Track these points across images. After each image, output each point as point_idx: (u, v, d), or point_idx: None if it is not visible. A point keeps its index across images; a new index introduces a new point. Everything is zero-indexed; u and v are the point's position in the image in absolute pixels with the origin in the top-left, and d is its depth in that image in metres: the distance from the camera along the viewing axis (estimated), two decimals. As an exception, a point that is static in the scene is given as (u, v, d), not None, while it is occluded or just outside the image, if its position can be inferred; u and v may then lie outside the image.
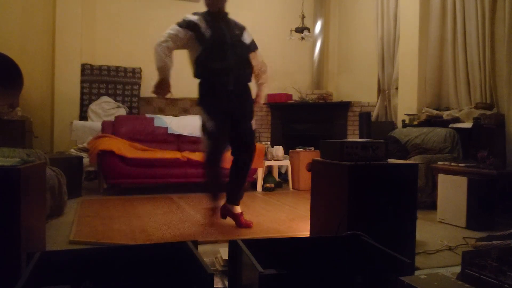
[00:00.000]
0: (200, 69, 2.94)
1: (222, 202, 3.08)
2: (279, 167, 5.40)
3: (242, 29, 3.05)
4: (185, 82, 6.29)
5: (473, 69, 4.30)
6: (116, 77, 5.83)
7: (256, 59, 3.11)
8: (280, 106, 6.46)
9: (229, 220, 3.23)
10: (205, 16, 2.95)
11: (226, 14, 3.01)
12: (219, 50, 2.86)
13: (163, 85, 2.82)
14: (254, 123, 3.13)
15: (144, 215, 3.36)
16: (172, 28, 2.85)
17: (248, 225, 3.04)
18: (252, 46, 3.09)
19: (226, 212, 3.11)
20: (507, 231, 2.53)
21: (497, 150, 3.75)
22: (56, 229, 2.87)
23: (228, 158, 3.06)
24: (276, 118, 6.57)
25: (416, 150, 4.15)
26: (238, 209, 3.09)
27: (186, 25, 2.86)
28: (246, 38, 3.03)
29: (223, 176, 3.02)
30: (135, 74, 5.92)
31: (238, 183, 3.07)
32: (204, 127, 2.92)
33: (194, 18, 2.91)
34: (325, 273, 1.54)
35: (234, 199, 3.09)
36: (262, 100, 3.28)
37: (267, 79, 3.26)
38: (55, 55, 5.50)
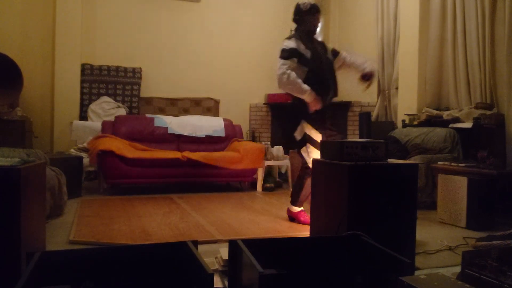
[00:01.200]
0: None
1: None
2: (279, 167, 5.40)
3: (323, 45, 3.32)
4: (185, 82, 6.34)
5: (473, 69, 4.30)
6: (116, 77, 5.83)
7: (339, 61, 3.34)
8: (280, 106, 6.46)
9: (229, 220, 3.23)
10: (301, 36, 3.20)
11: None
12: (319, 70, 3.13)
13: (318, 100, 3.06)
14: None
15: (144, 215, 3.36)
16: (282, 63, 3.10)
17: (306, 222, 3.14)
18: (334, 57, 3.31)
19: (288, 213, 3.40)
20: (507, 231, 2.53)
21: (497, 150, 3.75)
22: (56, 229, 2.88)
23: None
24: (276, 118, 6.57)
25: (416, 150, 4.15)
26: (295, 209, 3.31)
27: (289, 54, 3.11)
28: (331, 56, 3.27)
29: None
30: (135, 74, 5.92)
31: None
32: (313, 140, 3.10)
33: (292, 44, 3.14)
34: (325, 273, 1.54)
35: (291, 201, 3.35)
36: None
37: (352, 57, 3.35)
38: (55, 55, 5.50)
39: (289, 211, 3.35)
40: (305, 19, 3.21)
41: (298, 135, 3.19)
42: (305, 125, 3.14)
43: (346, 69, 3.39)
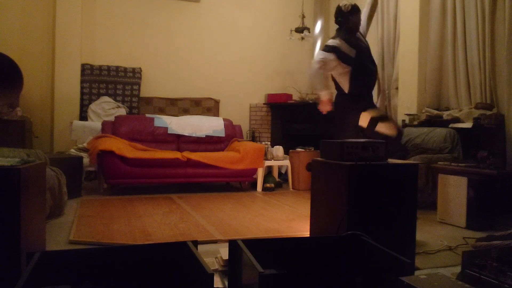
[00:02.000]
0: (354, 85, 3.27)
1: None
2: (279, 167, 5.40)
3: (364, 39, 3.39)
4: (185, 82, 6.34)
5: (473, 69, 4.30)
6: (116, 77, 5.83)
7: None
8: (280, 106, 6.46)
9: (229, 220, 3.23)
10: (345, 36, 3.28)
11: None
12: (365, 68, 3.27)
13: (328, 103, 3.22)
14: None
15: (144, 215, 3.36)
16: (320, 54, 3.26)
17: None
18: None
19: None
20: (507, 231, 2.53)
21: (497, 150, 3.75)
22: (56, 229, 2.88)
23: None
24: (276, 118, 6.56)
25: (416, 150, 4.15)
26: None
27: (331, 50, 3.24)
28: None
29: None
30: (135, 74, 5.92)
31: None
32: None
33: (335, 43, 3.24)
34: (325, 273, 1.54)
35: None
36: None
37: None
38: (55, 55, 5.50)
39: None
40: (348, 19, 3.30)
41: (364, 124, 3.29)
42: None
43: None
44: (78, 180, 4.22)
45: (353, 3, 3.34)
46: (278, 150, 5.14)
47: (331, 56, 3.17)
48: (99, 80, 5.75)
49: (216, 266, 2.10)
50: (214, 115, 6.21)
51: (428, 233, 2.96)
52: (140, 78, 5.95)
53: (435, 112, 4.55)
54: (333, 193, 2.16)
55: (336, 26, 3.35)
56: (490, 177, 3.23)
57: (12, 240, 1.70)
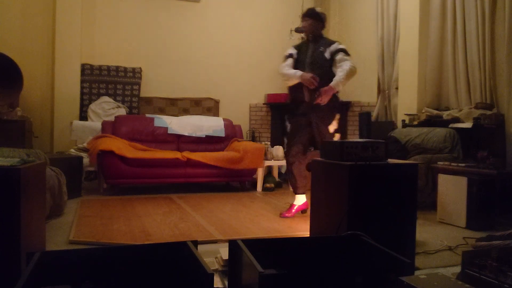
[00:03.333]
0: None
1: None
2: (279, 167, 5.40)
3: (328, 45, 3.47)
4: (185, 82, 6.34)
5: (473, 69, 4.30)
6: (116, 77, 5.82)
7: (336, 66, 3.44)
8: (280, 106, 6.46)
9: (229, 220, 3.23)
10: (300, 43, 3.69)
11: (318, 37, 3.54)
12: (301, 67, 3.46)
13: (310, 77, 3.31)
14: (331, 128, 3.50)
15: (144, 215, 3.36)
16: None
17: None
18: (333, 58, 3.44)
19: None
20: (507, 231, 2.53)
21: (497, 150, 3.75)
22: (56, 229, 2.88)
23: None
24: (276, 118, 6.56)
25: (416, 150, 4.15)
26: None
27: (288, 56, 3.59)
28: (328, 53, 3.44)
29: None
30: (135, 74, 5.92)
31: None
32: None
33: (291, 50, 3.61)
34: (325, 273, 1.54)
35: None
36: (323, 100, 3.33)
37: (335, 83, 3.33)
38: (55, 55, 5.49)
39: None
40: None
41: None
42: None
43: None
44: (78, 180, 4.21)
45: (309, 8, 3.63)
46: (278, 150, 5.14)
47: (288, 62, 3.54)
48: (99, 80, 5.75)
49: (216, 266, 2.10)
50: (214, 115, 6.21)
51: (428, 233, 2.96)
52: (140, 78, 5.95)
53: (435, 112, 4.55)
54: (333, 193, 2.16)
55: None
56: (490, 177, 3.23)
57: (12, 240, 1.70)
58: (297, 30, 3.94)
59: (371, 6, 5.84)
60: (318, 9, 3.57)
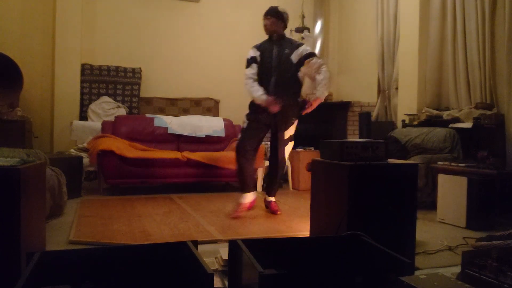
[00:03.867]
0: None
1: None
2: (279, 167, 5.38)
3: (295, 47, 3.45)
4: (185, 82, 6.34)
5: (473, 69, 4.30)
6: (116, 77, 5.82)
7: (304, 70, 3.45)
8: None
9: (229, 220, 3.24)
10: (262, 43, 3.61)
11: (281, 37, 3.52)
12: (266, 71, 3.49)
13: (273, 102, 3.37)
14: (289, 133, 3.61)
15: (144, 215, 3.36)
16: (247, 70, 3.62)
17: (275, 211, 3.57)
18: (301, 62, 3.43)
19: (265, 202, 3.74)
20: (507, 231, 2.53)
21: (497, 150, 3.75)
22: (56, 229, 2.88)
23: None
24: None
25: (416, 150, 4.15)
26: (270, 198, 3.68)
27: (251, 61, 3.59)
28: (294, 56, 3.43)
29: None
30: (135, 74, 5.92)
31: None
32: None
33: (253, 52, 3.60)
34: (325, 273, 1.54)
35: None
36: (309, 111, 3.43)
37: (322, 94, 3.39)
38: (55, 55, 5.49)
39: None
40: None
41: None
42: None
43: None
44: (78, 180, 4.21)
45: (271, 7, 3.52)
46: (278, 150, 5.12)
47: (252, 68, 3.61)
48: (99, 80, 5.75)
49: (216, 266, 2.10)
50: (214, 115, 6.20)
51: (428, 233, 2.96)
52: (140, 78, 5.95)
53: (435, 112, 4.55)
54: (333, 193, 2.16)
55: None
56: (490, 177, 3.23)
57: (12, 240, 1.70)
58: (297, 30, 3.94)
59: (371, 6, 5.84)
60: (281, 8, 3.50)
